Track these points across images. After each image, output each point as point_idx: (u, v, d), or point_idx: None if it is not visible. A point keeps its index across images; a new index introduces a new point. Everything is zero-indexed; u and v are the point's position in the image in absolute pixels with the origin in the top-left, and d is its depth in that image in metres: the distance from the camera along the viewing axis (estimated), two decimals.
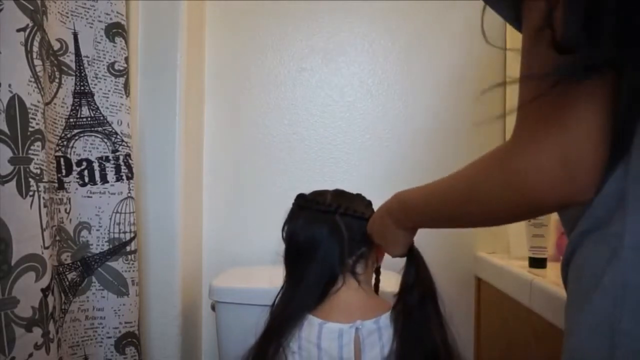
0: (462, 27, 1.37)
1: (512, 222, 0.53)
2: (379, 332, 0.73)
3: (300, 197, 0.86)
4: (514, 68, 1.36)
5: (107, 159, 1.03)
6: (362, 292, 0.79)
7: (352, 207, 0.81)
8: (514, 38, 1.35)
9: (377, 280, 0.88)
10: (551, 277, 0.99)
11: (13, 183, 0.71)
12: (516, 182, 0.43)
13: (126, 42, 1.06)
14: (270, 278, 1.16)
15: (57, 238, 0.94)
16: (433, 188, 0.62)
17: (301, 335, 0.73)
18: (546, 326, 0.86)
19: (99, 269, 1.03)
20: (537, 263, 1.10)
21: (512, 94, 1.34)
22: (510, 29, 1.34)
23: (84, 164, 1.01)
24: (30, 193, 0.73)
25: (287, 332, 0.73)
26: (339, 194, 0.86)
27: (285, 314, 0.77)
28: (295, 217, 0.84)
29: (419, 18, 1.38)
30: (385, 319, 0.75)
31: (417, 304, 0.73)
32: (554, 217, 1.10)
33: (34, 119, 0.74)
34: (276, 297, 0.83)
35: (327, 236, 0.78)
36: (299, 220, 0.83)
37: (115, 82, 1.04)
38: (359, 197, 0.88)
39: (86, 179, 1.01)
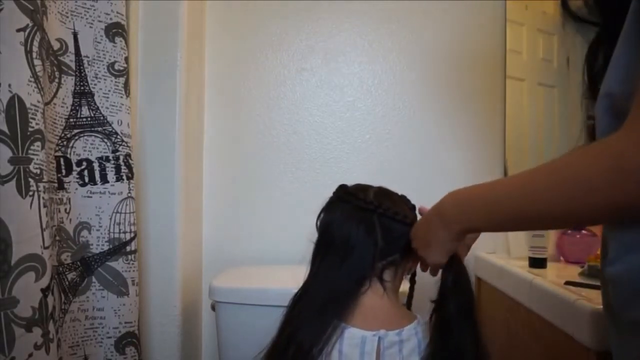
0: (462, 27, 1.37)
1: (596, 224, 0.48)
2: (399, 345, 0.70)
3: (342, 189, 0.82)
4: (514, 67, 1.36)
5: (107, 159, 1.03)
6: (386, 300, 0.75)
7: (394, 209, 0.75)
8: (514, 38, 1.36)
9: (412, 289, 0.84)
10: (551, 277, 0.99)
11: (13, 183, 0.71)
12: (633, 183, 0.39)
13: (126, 42, 1.06)
14: (270, 278, 1.17)
15: (57, 238, 0.94)
16: (506, 183, 0.56)
17: (324, 338, 0.70)
18: (546, 326, 0.86)
19: (99, 269, 1.03)
20: (537, 263, 1.10)
21: (512, 94, 1.35)
22: (510, 29, 1.35)
23: (84, 164, 1.01)
24: (30, 193, 0.73)
25: (310, 337, 0.70)
26: (383, 192, 0.81)
27: (310, 315, 0.72)
28: (333, 208, 0.80)
29: (419, 18, 1.38)
30: (408, 331, 0.72)
31: (455, 317, 0.67)
32: None
33: (34, 119, 0.74)
34: (296, 294, 0.78)
35: (363, 237, 0.74)
36: (337, 212, 0.79)
37: (115, 82, 1.04)
38: (403, 198, 0.83)
39: (86, 179, 1.01)
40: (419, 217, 0.77)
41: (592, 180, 0.43)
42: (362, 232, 0.75)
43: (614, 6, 0.53)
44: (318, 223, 0.81)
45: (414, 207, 0.82)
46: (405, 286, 0.83)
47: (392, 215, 0.75)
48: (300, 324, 0.72)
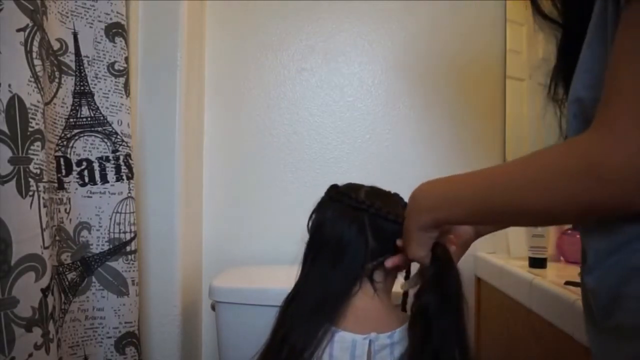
0: (462, 27, 1.37)
1: (569, 223, 0.47)
2: (391, 347, 0.70)
3: (333, 189, 0.81)
4: (514, 67, 1.36)
5: (107, 159, 1.03)
6: (377, 301, 0.74)
7: (386, 209, 0.74)
8: (514, 38, 1.36)
9: (406, 295, 0.81)
10: (551, 277, 0.99)
11: (13, 183, 0.70)
12: (607, 182, 0.39)
13: (126, 42, 1.06)
14: (270, 278, 1.16)
15: (57, 238, 0.94)
16: (479, 176, 0.54)
17: (315, 342, 0.69)
18: (546, 326, 0.86)
19: (99, 269, 1.03)
20: (537, 263, 1.10)
21: (512, 94, 1.35)
22: (510, 29, 1.35)
23: (84, 164, 1.01)
24: (30, 193, 0.73)
25: (302, 340, 0.69)
26: (375, 191, 0.80)
27: (302, 317, 0.72)
28: (324, 208, 0.79)
29: (419, 18, 1.38)
30: (399, 333, 0.71)
31: (436, 308, 0.64)
32: None
33: (34, 119, 0.74)
34: (289, 295, 0.77)
35: (355, 237, 0.73)
36: (328, 212, 0.78)
37: (115, 82, 1.04)
38: (395, 196, 0.81)
39: (86, 179, 1.01)
40: None
41: (562, 180, 0.43)
42: (354, 232, 0.74)
43: (579, 7, 0.53)
44: (309, 223, 0.80)
45: (406, 204, 0.79)
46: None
47: (384, 215, 0.74)
48: (293, 326, 0.72)
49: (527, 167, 0.47)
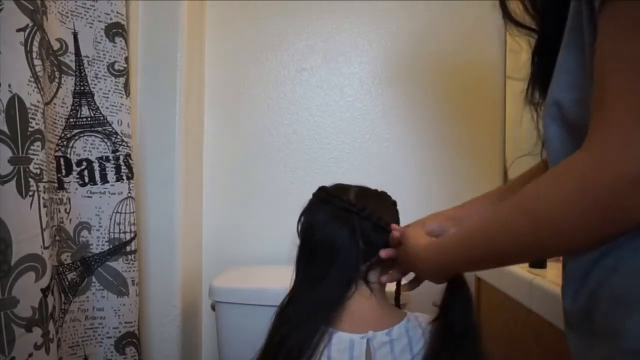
0: (463, 27, 1.37)
1: (583, 249, 0.44)
2: (390, 345, 0.70)
3: (322, 190, 0.81)
4: (514, 67, 1.36)
5: (107, 159, 1.03)
6: (374, 301, 0.74)
7: (377, 214, 0.75)
8: (514, 38, 1.35)
9: (398, 286, 0.83)
10: (551, 277, 0.99)
11: (13, 183, 0.70)
12: (611, 198, 0.37)
13: (126, 42, 1.06)
14: (270, 278, 1.17)
15: (57, 238, 0.94)
16: (474, 231, 0.55)
17: (312, 345, 0.69)
18: (546, 326, 0.86)
19: (99, 269, 1.02)
20: (537, 263, 1.09)
21: (512, 94, 1.35)
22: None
23: (84, 164, 1.01)
24: (30, 193, 0.73)
25: (299, 344, 0.69)
26: (363, 192, 0.80)
27: (298, 322, 0.72)
28: (314, 210, 0.79)
29: (419, 18, 1.38)
30: (397, 330, 0.71)
31: (457, 322, 0.69)
32: None
33: (34, 119, 0.74)
34: (284, 300, 0.77)
35: (347, 239, 0.73)
36: (319, 214, 0.77)
37: (115, 82, 1.04)
38: (383, 196, 0.82)
39: (86, 179, 1.01)
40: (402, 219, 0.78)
41: (563, 212, 0.41)
42: (346, 234, 0.74)
43: (552, 11, 0.53)
44: (299, 226, 0.79)
45: (394, 202, 0.82)
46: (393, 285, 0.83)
47: (375, 221, 0.74)
48: (289, 330, 0.71)
49: (533, 208, 0.45)
